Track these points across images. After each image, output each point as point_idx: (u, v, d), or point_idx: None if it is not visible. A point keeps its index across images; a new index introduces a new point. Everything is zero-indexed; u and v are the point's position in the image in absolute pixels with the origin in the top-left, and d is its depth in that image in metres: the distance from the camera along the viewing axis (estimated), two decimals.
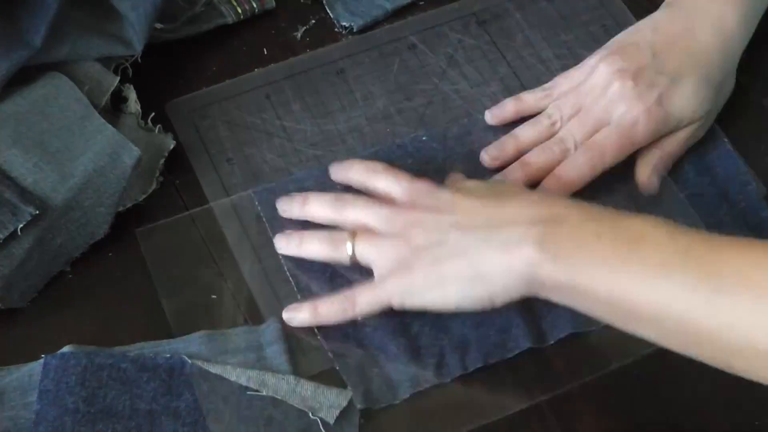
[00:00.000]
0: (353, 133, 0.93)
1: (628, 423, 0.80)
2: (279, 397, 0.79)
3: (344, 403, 0.80)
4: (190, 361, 0.80)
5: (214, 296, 0.85)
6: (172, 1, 0.96)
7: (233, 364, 0.81)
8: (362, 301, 0.81)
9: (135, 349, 0.82)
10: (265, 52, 0.98)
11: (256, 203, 0.88)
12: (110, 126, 0.87)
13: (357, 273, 0.84)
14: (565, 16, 1.00)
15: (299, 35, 0.99)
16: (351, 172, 0.87)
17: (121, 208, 0.87)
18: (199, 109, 0.95)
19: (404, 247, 0.79)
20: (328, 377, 0.81)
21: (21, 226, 0.82)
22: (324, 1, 0.99)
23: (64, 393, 0.79)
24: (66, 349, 0.81)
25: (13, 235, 0.82)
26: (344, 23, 0.99)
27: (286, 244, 0.86)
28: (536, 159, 0.88)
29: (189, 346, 0.81)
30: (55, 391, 0.79)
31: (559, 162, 0.88)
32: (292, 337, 0.82)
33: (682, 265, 0.71)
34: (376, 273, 0.81)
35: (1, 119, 0.86)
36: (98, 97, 0.90)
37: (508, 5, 1.00)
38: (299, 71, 0.97)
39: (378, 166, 0.85)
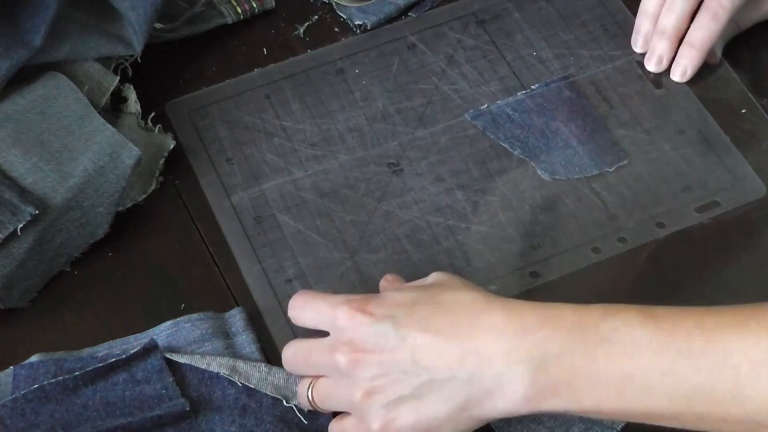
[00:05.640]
0: (353, 133, 0.93)
1: None
2: (251, 386, 0.79)
3: None
4: (159, 354, 0.80)
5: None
6: (172, 1, 0.96)
7: (202, 353, 0.81)
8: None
9: (103, 348, 0.82)
10: (265, 52, 0.98)
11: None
12: (110, 126, 0.87)
13: None
14: (565, 16, 1.00)
15: (299, 35, 0.99)
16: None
17: (121, 208, 0.87)
18: (198, 109, 0.95)
19: (363, 396, 0.73)
20: None
21: (21, 226, 0.82)
22: (334, 2, 0.99)
23: None
24: (34, 358, 0.80)
25: (13, 235, 0.82)
26: (357, 22, 0.98)
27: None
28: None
29: (157, 338, 0.81)
30: None
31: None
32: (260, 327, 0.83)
33: (672, 372, 0.69)
34: (352, 414, 0.76)
35: (1, 119, 0.86)
36: (98, 97, 0.90)
37: (508, 5, 1.01)
38: (299, 71, 0.97)
39: (297, 299, 0.79)
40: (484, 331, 0.72)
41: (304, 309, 0.78)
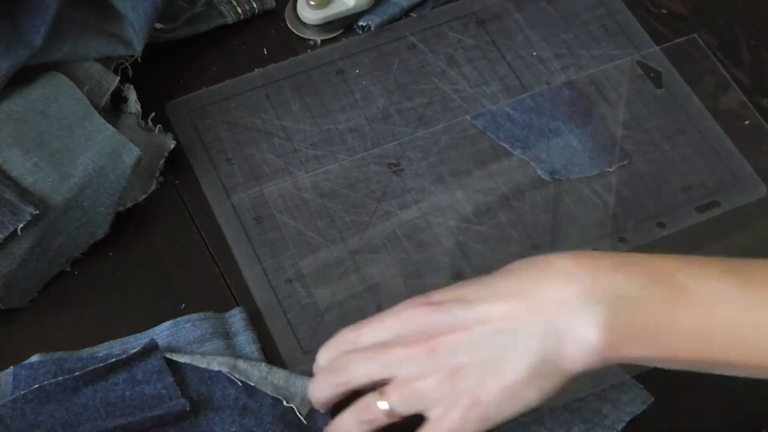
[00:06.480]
0: (353, 133, 0.93)
1: None
2: (252, 384, 0.79)
3: None
4: (159, 354, 0.80)
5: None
6: (172, 1, 0.96)
7: (202, 353, 0.81)
8: None
9: (104, 348, 0.82)
10: (265, 52, 0.98)
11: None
12: (110, 126, 0.87)
13: None
14: (565, 16, 1.00)
15: (299, 35, 0.99)
16: (328, 352, 0.76)
17: (121, 208, 0.87)
18: (199, 109, 0.95)
19: (448, 378, 0.71)
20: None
21: (21, 226, 0.82)
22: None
23: None
24: (34, 358, 0.80)
25: (13, 235, 0.82)
26: (362, 23, 0.98)
27: None
28: None
29: (157, 338, 0.81)
30: None
31: None
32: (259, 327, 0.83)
33: (755, 324, 0.68)
34: (431, 414, 0.72)
35: (1, 119, 0.86)
36: (98, 97, 0.90)
37: (508, 5, 1.01)
38: (299, 71, 0.97)
39: (349, 329, 0.75)
40: (552, 278, 0.69)
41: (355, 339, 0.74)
